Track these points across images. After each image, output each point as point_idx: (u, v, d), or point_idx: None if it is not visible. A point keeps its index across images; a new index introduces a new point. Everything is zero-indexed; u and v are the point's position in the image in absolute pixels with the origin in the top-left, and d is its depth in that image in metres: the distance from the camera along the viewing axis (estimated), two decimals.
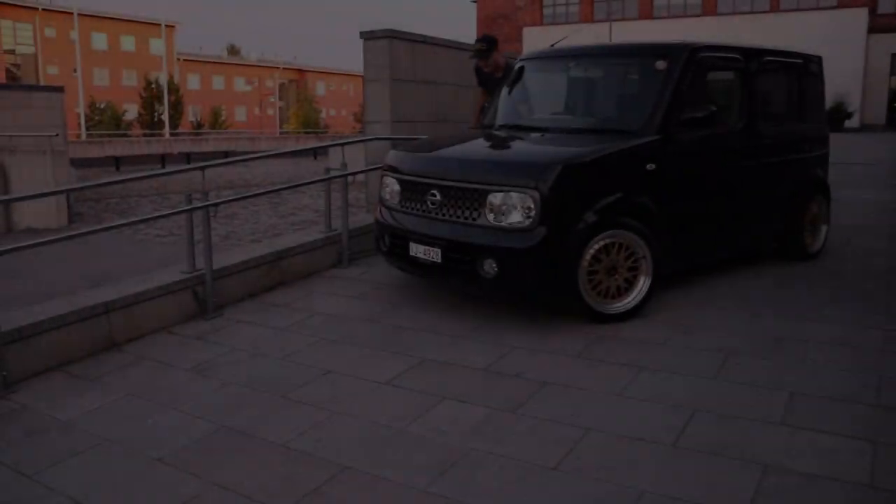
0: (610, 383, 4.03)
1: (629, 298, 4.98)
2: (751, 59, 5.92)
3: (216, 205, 5.53)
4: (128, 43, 65.76)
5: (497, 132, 5.86)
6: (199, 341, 5.01)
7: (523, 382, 4.08)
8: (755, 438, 3.38)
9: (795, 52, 6.63)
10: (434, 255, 4.99)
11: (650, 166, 4.99)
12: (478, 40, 7.18)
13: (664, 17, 41.84)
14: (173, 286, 5.37)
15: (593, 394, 3.91)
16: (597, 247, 4.78)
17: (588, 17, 44.70)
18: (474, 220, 4.81)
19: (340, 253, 6.76)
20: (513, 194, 4.65)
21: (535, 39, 39.74)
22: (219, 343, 4.95)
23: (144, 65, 61.33)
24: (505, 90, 6.36)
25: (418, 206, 5.23)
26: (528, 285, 4.72)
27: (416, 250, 5.14)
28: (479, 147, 5.52)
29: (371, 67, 7.38)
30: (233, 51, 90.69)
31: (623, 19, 40.65)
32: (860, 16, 37.67)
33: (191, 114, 63.79)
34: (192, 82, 72.51)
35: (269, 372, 4.43)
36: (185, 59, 70.72)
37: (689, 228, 5.46)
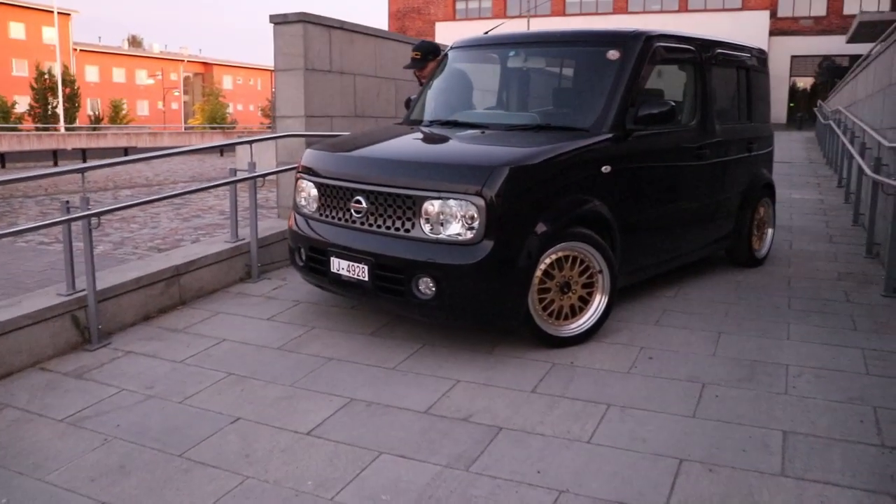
0: (575, 426, 3.41)
1: (584, 319, 4.40)
2: (704, 51, 5.44)
3: (98, 214, 4.64)
4: (17, 30, 61.66)
5: (427, 129, 5.18)
6: (78, 381, 4.13)
7: (474, 428, 3.42)
8: (759, 497, 2.82)
9: (743, 45, 6.23)
10: (360, 272, 4.28)
11: (605, 168, 4.42)
12: (414, 48, 6.43)
13: (576, 14, 42.16)
14: (48, 312, 4.46)
15: (558, 441, 3.29)
16: (548, 261, 4.17)
17: (501, 13, 44.61)
18: (407, 231, 4.12)
19: (249, 265, 5.96)
20: (451, 202, 3.98)
21: (449, 35, 39.28)
22: (103, 382, 4.09)
23: (37, 54, 57.62)
24: (434, 82, 5.68)
25: (340, 214, 4.50)
26: (471, 308, 4.06)
27: (339, 266, 4.41)
28: (409, 145, 4.82)
29: (283, 56, 6.57)
30: (134, 42, 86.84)
31: (536, 16, 40.63)
32: (762, 18, 38.94)
33: (90, 107, 60.50)
34: (91, 74, 68.84)
35: (165, 421, 3.62)
36: (82, 50, 66.99)
37: (646, 237, 4.95)
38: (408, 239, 4.10)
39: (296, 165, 5.15)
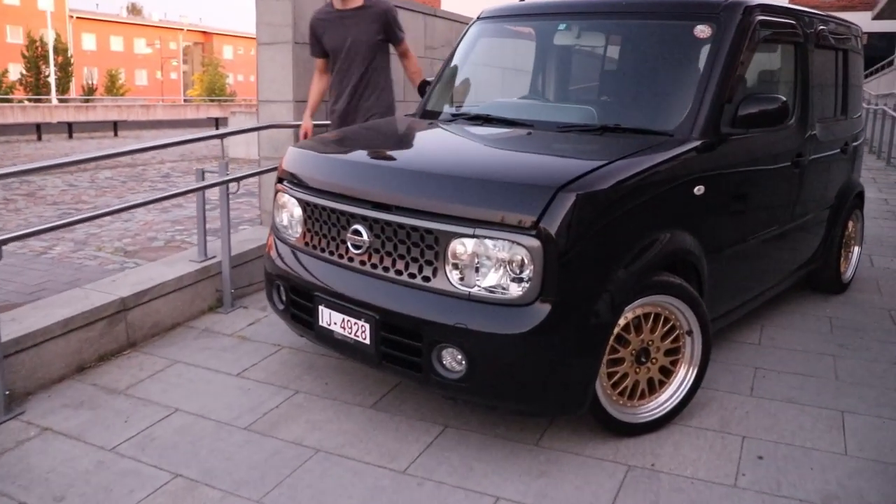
0: None
1: (665, 398, 3.21)
2: (807, 28, 4.21)
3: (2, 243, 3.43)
4: None
5: (451, 125, 3.96)
6: None
7: None
8: None
9: (842, 20, 4.98)
10: (359, 331, 3.08)
11: (698, 189, 3.21)
12: None
13: None
14: None
15: None
16: (622, 322, 2.98)
17: None
18: (426, 280, 2.92)
19: (221, 290, 4.76)
20: (490, 241, 2.77)
21: (457, 3, 37.60)
22: None
23: (31, 21, 55.93)
24: (456, 61, 4.45)
25: (333, 246, 3.29)
26: (516, 392, 2.85)
27: (330, 319, 3.21)
28: (428, 151, 3.59)
29: (266, 26, 5.32)
30: (133, 10, 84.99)
31: None
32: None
33: (87, 76, 59.05)
34: (88, 42, 67.16)
35: None
36: (78, 17, 65.23)
37: (735, 274, 3.76)
38: (428, 291, 2.90)
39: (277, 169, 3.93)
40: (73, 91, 49.70)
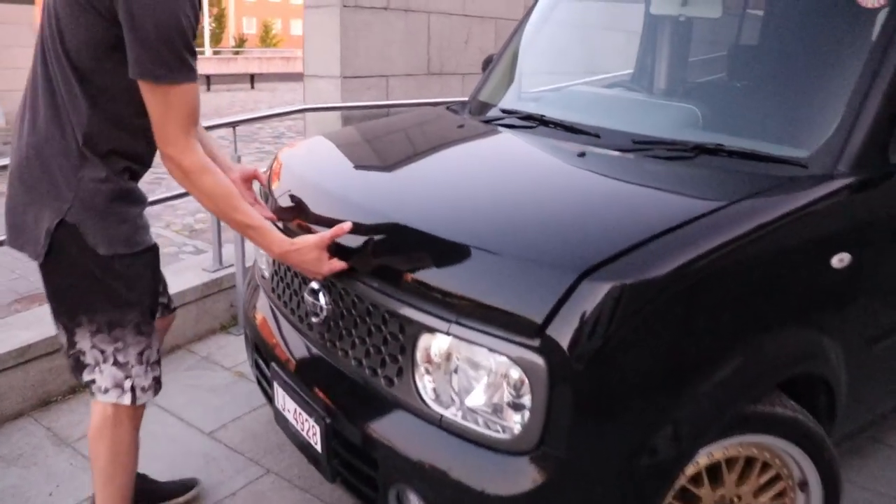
0: None
1: None
2: None
3: None
4: None
5: (486, 132, 2.89)
6: None
7: None
8: None
9: None
10: (310, 429, 2.18)
11: (839, 259, 2.02)
12: None
13: None
14: None
15: None
16: (692, 470, 1.90)
17: None
18: (389, 382, 1.95)
19: (236, 306, 4.02)
20: (472, 346, 1.75)
21: None
22: None
23: None
24: (526, 32, 3.38)
25: (294, 303, 2.38)
26: None
27: (284, 403, 2.33)
28: (423, 183, 2.45)
29: None
30: None
31: None
32: None
33: (244, 26, 61.13)
34: None
35: None
36: None
37: (888, 371, 2.52)
38: (388, 399, 1.94)
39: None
40: (234, 42, 51.37)
